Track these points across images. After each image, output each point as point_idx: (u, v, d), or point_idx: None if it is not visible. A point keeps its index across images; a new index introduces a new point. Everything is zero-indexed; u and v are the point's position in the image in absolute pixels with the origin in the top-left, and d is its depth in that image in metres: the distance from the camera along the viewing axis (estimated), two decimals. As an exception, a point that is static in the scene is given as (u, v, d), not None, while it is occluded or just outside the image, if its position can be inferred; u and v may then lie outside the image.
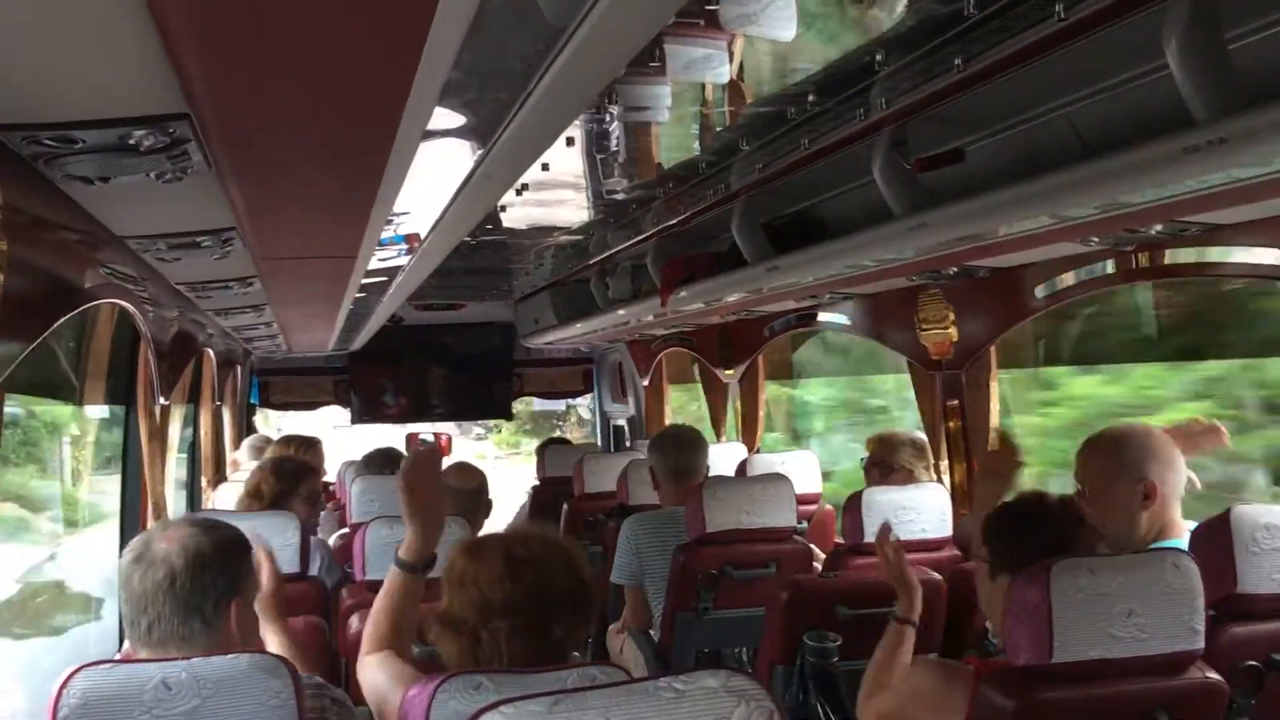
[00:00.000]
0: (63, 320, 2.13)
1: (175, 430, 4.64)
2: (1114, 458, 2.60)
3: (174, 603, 1.90)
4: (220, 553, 1.95)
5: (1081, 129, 2.21)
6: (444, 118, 1.56)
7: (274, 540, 3.24)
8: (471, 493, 3.89)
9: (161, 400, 3.87)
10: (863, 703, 2.55)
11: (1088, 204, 2.09)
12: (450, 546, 2.09)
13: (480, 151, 1.76)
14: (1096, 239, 2.64)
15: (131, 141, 1.49)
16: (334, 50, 1.16)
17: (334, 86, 1.28)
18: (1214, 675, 2.10)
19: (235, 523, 3.17)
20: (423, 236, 2.74)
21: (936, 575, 3.21)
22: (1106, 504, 2.58)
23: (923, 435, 4.04)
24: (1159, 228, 2.46)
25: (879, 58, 2.13)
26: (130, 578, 1.92)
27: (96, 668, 1.74)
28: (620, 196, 3.55)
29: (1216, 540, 2.25)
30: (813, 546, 4.02)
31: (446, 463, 4.49)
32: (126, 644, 2.05)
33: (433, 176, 1.94)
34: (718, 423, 6.17)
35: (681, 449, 4.15)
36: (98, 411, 4.60)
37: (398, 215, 2.36)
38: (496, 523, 5.31)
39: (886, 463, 4.01)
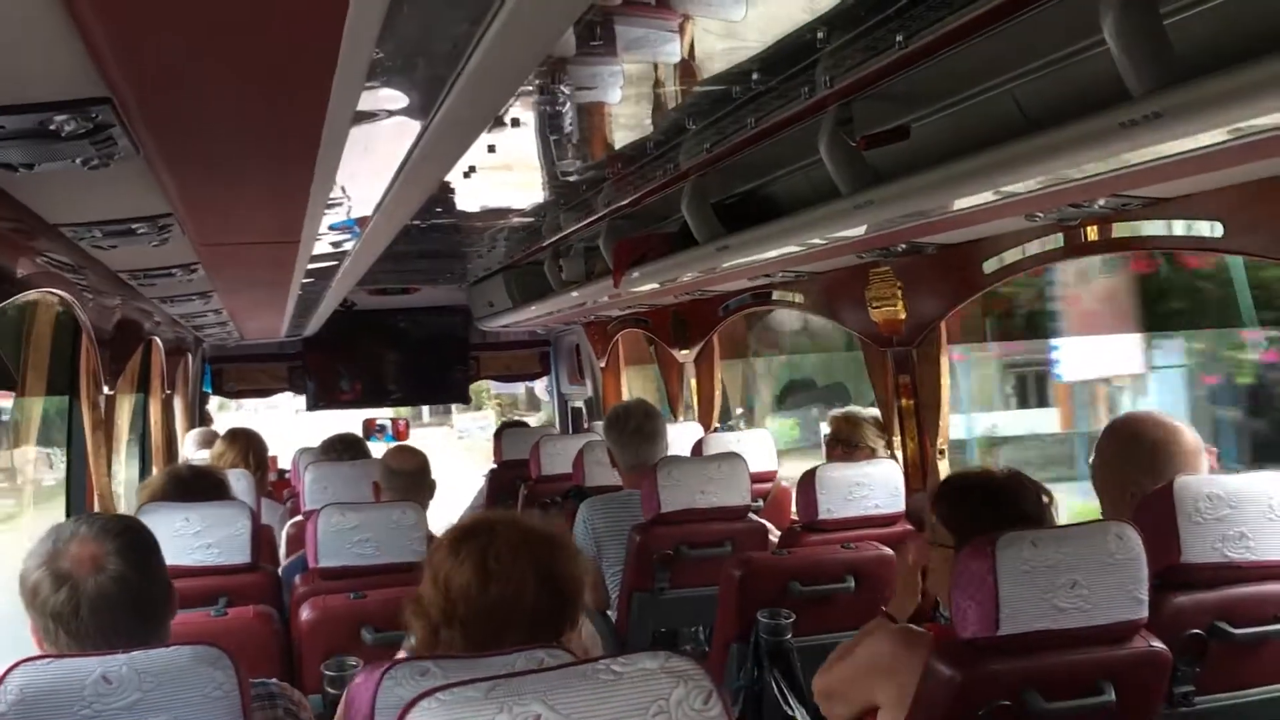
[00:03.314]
0: (-4, 310, 2.09)
1: (124, 421, 4.57)
2: (1123, 447, 2.59)
3: (130, 626, 1.78)
4: (154, 553, 1.88)
5: (1024, 104, 2.22)
6: (374, 98, 1.53)
7: (224, 529, 3.21)
8: (411, 474, 3.85)
9: (106, 390, 3.81)
10: (819, 674, 2.55)
11: (1031, 179, 2.10)
12: (446, 525, 2.06)
13: (415, 132, 1.73)
14: (1041, 214, 2.66)
15: (52, 127, 1.45)
16: (253, 29, 1.13)
17: (256, 67, 1.25)
18: (1158, 644, 2.13)
19: (186, 512, 3.16)
20: (366, 219, 2.71)
21: (888, 550, 3.23)
22: (1109, 486, 2.61)
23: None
24: (1102, 202, 2.48)
25: (821, 35, 2.13)
26: (58, 606, 1.76)
27: (34, 663, 1.70)
28: (572, 178, 3.53)
29: (1159, 510, 2.28)
30: (768, 524, 4.03)
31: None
32: None
33: (369, 159, 1.90)
34: (675, 402, 6.18)
35: (638, 440, 4.14)
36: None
37: (337, 198, 2.32)
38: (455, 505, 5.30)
39: (851, 440, 4.05)
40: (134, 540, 1.85)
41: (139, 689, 1.71)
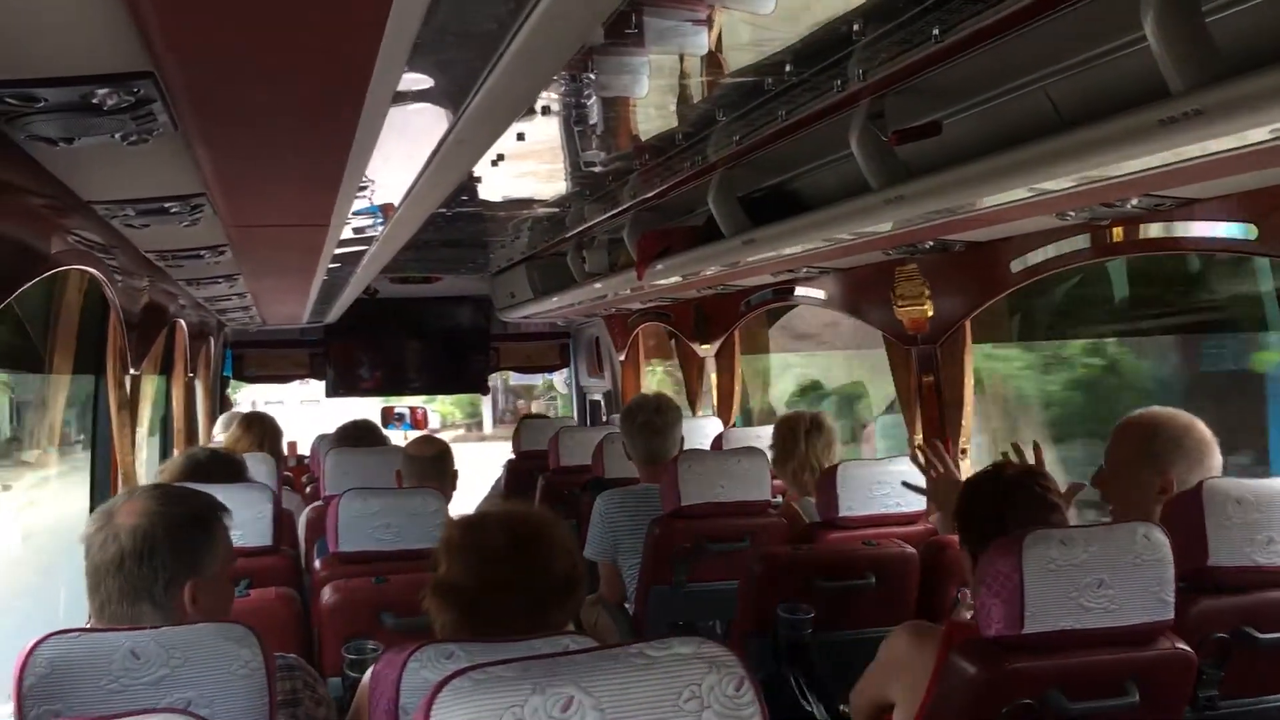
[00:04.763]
0: (26, 286, 2.09)
1: (147, 401, 4.59)
2: (1142, 445, 2.57)
3: (121, 584, 1.89)
4: (172, 535, 1.92)
5: (1058, 102, 2.20)
6: (414, 80, 1.53)
7: (245, 512, 3.22)
8: (431, 459, 3.86)
9: (132, 371, 3.83)
10: (854, 693, 2.50)
11: (1064, 176, 2.09)
12: (447, 519, 2.07)
13: (452, 115, 1.73)
14: (1073, 213, 2.65)
15: (94, 101, 1.46)
16: (298, 7, 1.13)
17: (299, 46, 1.26)
18: (1183, 646, 2.12)
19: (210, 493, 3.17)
20: (396, 205, 2.71)
21: (910, 548, 3.23)
22: (1124, 486, 2.59)
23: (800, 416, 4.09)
24: (1135, 201, 2.46)
25: (856, 28, 2.12)
26: (90, 548, 1.91)
27: (64, 636, 1.71)
28: (597, 169, 3.52)
29: (1188, 513, 2.27)
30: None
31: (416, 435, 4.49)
32: None
33: (404, 141, 1.91)
34: (694, 396, 6.17)
35: (648, 434, 4.14)
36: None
37: (370, 182, 2.33)
38: (473, 496, 5.33)
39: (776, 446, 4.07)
40: (171, 513, 1.93)
41: (166, 665, 1.73)
